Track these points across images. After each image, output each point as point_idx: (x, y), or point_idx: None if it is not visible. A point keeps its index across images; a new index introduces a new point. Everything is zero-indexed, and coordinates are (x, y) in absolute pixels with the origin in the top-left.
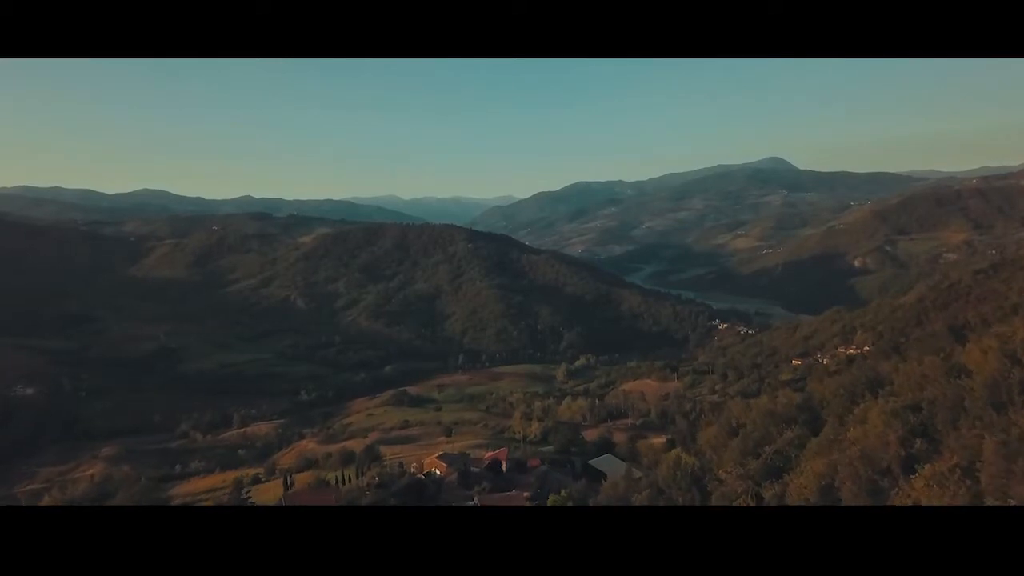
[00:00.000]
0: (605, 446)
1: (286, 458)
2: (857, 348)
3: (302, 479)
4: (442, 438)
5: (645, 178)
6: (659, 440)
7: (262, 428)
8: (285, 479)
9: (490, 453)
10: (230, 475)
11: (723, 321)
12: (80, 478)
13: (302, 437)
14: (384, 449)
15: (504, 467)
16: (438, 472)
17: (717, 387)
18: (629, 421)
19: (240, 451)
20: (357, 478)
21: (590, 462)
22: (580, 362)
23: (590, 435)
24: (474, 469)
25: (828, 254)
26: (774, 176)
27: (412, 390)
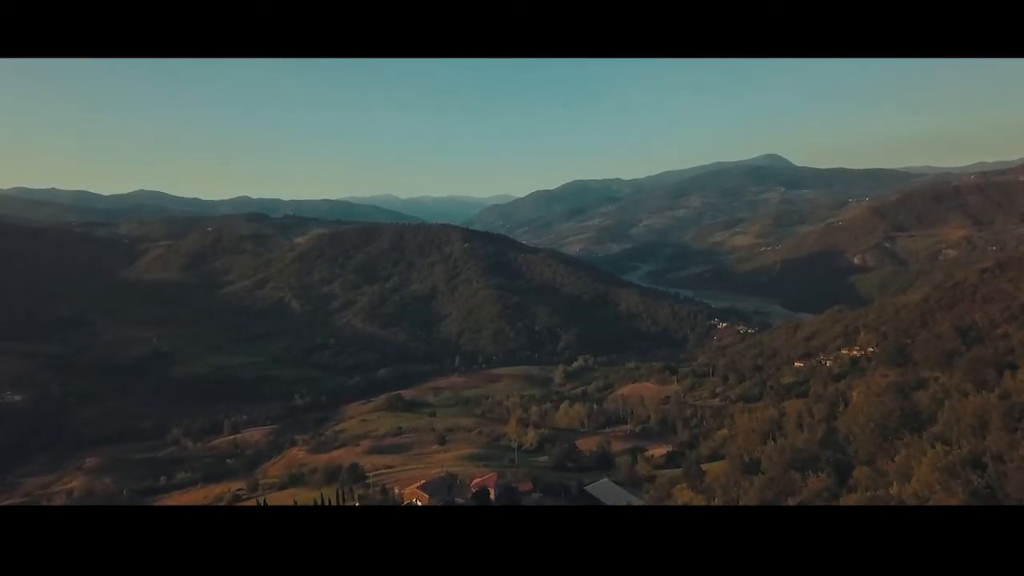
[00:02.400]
0: (603, 459)
1: (274, 468)
2: (860, 349)
3: (284, 497)
4: (435, 447)
5: (642, 176)
6: (660, 451)
7: (254, 435)
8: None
9: (477, 480)
10: (213, 489)
11: (722, 320)
12: (59, 492)
13: (293, 444)
14: (375, 460)
15: (493, 495)
16: (419, 504)
17: (718, 390)
18: (628, 427)
19: (229, 460)
20: (338, 504)
21: (586, 488)
22: (578, 363)
23: (587, 444)
24: (459, 500)
25: (827, 251)
26: (771, 173)
27: (407, 394)
